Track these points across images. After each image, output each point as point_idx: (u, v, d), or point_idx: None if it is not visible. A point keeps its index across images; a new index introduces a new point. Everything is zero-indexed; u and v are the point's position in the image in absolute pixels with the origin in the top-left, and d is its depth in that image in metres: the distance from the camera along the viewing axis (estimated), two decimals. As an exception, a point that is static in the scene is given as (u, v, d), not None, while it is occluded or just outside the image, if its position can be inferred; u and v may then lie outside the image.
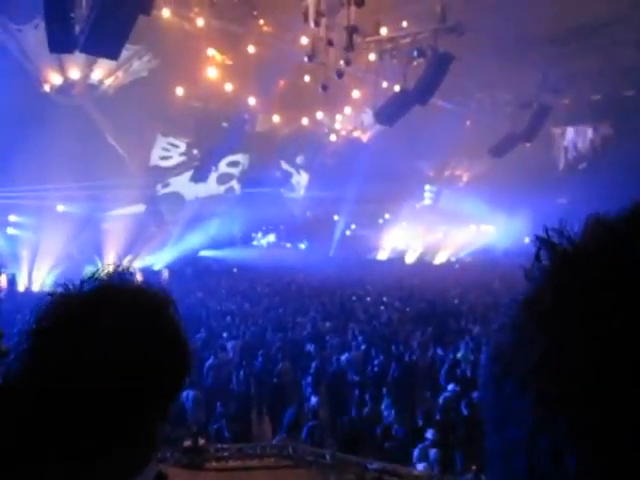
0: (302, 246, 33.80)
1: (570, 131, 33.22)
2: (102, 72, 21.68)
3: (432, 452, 6.87)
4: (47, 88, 21.03)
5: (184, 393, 8.94)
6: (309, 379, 10.20)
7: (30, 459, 0.74)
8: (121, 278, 0.87)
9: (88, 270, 0.89)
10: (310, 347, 11.96)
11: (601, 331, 0.33)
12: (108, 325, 0.79)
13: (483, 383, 0.44)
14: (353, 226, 34.66)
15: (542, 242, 0.43)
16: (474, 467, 6.71)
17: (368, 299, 18.43)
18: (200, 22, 18.40)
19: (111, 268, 0.88)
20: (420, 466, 6.50)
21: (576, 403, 0.33)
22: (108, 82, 22.32)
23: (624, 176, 27.86)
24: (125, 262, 24.59)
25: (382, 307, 16.55)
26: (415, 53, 19.19)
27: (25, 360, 0.78)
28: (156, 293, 0.87)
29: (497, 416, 0.41)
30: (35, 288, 22.05)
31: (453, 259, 35.95)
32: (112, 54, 13.61)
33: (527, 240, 34.07)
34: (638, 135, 28.26)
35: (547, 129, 28.84)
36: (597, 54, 24.10)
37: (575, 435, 0.33)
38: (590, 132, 32.29)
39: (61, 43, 12.88)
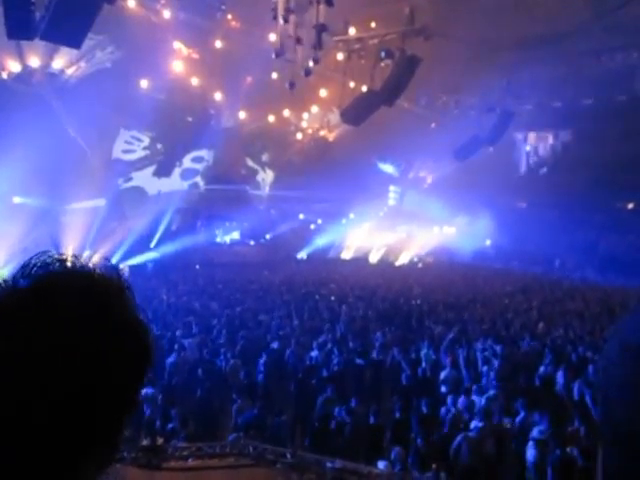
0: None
1: (532, 136, 33.98)
2: (63, 61, 21.13)
3: (394, 451, 6.89)
4: (4, 75, 20.39)
5: (143, 391, 8.76)
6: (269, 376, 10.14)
7: None
8: (63, 265, 0.78)
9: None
10: (275, 344, 11.92)
11: None
12: (53, 314, 0.72)
13: (616, 404, 0.45)
14: (319, 221, 34.68)
15: None
16: (434, 465, 6.77)
17: (332, 298, 18.44)
18: (167, 14, 18.14)
19: (50, 257, 0.78)
20: (381, 464, 6.51)
21: None
22: (69, 72, 21.76)
23: (582, 181, 28.68)
24: (84, 257, 24.04)
25: (344, 306, 16.56)
26: (383, 54, 19.31)
27: None
28: (108, 277, 0.80)
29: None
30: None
31: (416, 259, 36.35)
32: (74, 43, 13.25)
33: (488, 242, 34.79)
34: (597, 142, 29.12)
35: (510, 134, 29.44)
36: (559, 63, 24.76)
37: None
38: (551, 138, 33.09)
39: (20, 29, 12.47)
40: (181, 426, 8.00)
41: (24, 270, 0.77)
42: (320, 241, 33.56)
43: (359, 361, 10.75)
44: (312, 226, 34.56)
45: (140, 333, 0.79)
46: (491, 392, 8.72)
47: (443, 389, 9.63)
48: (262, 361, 10.51)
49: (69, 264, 0.79)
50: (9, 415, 0.69)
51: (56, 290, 0.75)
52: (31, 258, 0.78)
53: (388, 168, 36.15)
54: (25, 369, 0.70)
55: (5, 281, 0.76)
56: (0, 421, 0.69)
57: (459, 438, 7.17)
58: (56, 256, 0.79)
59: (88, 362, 0.72)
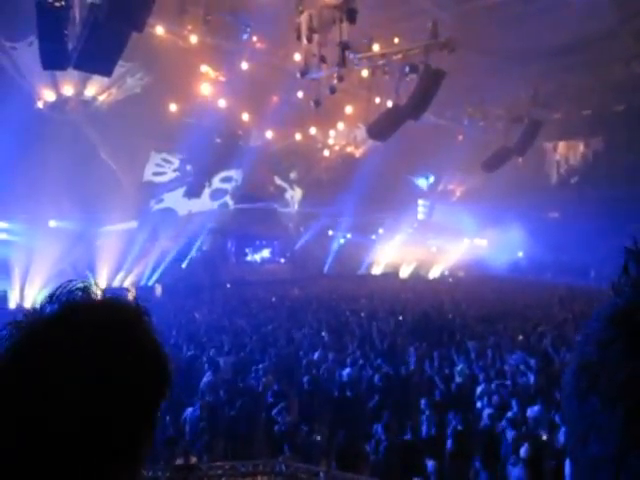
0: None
1: (562, 145, 33.48)
2: (95, 89, 21.74)
3: (429, 464, 6.80)
4: (41, 105, 21.06)
5: (186, 411, 8.87)
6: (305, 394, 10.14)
7: None
8: (86, 294, 0.83)
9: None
10: (307, 360, 11.92)
11: None
12: (72, 345, 0.76)
13: (567, 396, 0.44)
14: (349, 235, 34.69)
15: (632, 254, 0.41)
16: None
17: (362, 314, 18.37)
18: (193, 39, 18.49)
19: (74, 285, 0.83)
20: (416, 481, 6.44)
21: None
22: (101, 98, 22.37)
23: (615, 190, 28.10)
24: (118, 278, 24.52)
25: (375, 322, 16.48)
26: (407, 69, 19.32)
27: None
28: (125, 306, 0.83)
29: (581, 430, 0.41)
30: (27, 305, 21.87)
31: (447, 273, 35.98)
32: (105, 71, 13.64)
33: (520, 254, 34.25)
34: (628, 149, 28.55)
35: (539, 144, 29.07)
36: (587, 70, 24.41)
37: None
38: (581, 146, 32.56)
39: (54, 60, 12.93)
40: (213, 445, 8.04)
41: (51, 298, 0.81)
42: (350, 256, 33.51)
43: (390, 377, 10.67)
44: (342, 240, 34.56)
45: (157, 357, 0.82)
46: (536, 407, 8.56)
47: (479, 404, 9.48)
48: (305, 380, 10.48)
49: (91, 292, 0.83)
50: (29, 437, 0.71)
51: (76, 318, 0.79)
52: (58, 287, 0.82)
53: (422, 182, 36.07)
54: (45, 391, 0.73)
55: (34, 309, 0.80)
56: (24, 441, 0.71)
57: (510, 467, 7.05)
58: (79, 285, 0.83)
59: (104, 385, 0.76)
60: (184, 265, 27.30)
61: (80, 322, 0.78)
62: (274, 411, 8.88)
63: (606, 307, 0.43)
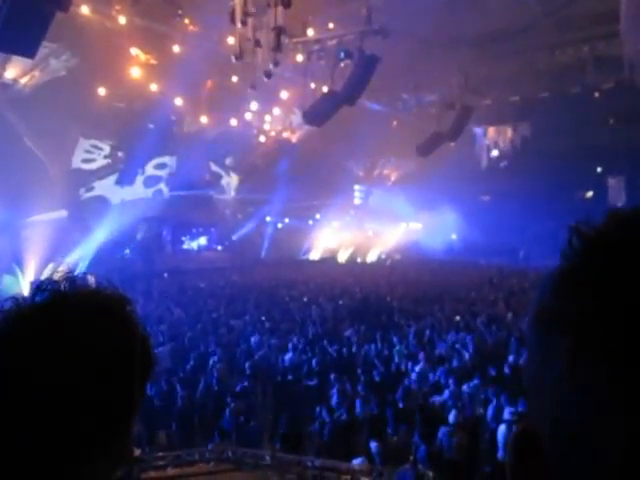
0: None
1: (491, 130, 34.60)
2: (16, 71, 20.62)
3: (372, 445, 6.96)
4: (-44, 87, 19.83)
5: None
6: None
7: None
8: (72, 283, 0.85)
9: (7, 280, 0.86)
10: (245, 346, 11.90)
11: (630, 297, 0.43)
12: (62, 332, 0.78)
13: (528, 345, 0.53)
14: (287, 220, 34.69)
15: (573, 230, 0.51)
16: (411, 457, 6.87)
17: (305, 299, 18.46)
18: (122, 20, 17.86)
19: (60, 275, 0.86)
20: (357, 460, 6.57)
21: (611, 341, 0.43)
22: (23, 81, 21.24)
23: (542, 173, 29.37)
24: (47, 270, 23.52)
25: (314, 306, 16.62)
26: (342, 54, 19.43)
27: None
28: (110, 294, 0.86)
29: (538, 358, 0.50)
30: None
31: (384, 257, 36.64)
32: (28, 52, 12.94)
33: (454, 236, 35.31)
34: (554, 134, 29.86)
35: (470, 129, 29.92)
36: (515, 58, 25.28)
37: (611, 371, 0.42)
38: (510, 131, 33.74)
39: (-29, 39, 12.16)
40: (154, 436, 7.93)
41: (38, 288, 0.83)
42: (288, 242, 33.55)
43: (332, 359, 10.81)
44: (279, 225, 34.52)
45: (142, 341, 0.85)
46: (474, 381, 8.90)
47: (416, 383, 9.76)
48: (248, 365, 10.48)
49: (77, 282, 0.86)
50: (19, 417, 0.74)
51: (64, 304, 0.81)
52: (45, 278, 0.85)
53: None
54: (32, 378, 0.75)
55: (22, 297, 0.82)
56: (14, 423, 0.73)
57: (440, 433, 7.33)
58: (66, 275, 0.86)
59: (91, 369, 0.77)
60: (119, 255, 26.51)
61: (67, 307, 0.81)
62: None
63: (554, 271, 0.52)
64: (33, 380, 0.74)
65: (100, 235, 25.40)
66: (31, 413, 0.73)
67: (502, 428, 7.09)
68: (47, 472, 0.74)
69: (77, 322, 0.79)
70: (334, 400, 8.79)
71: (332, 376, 9.58)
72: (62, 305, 0.81)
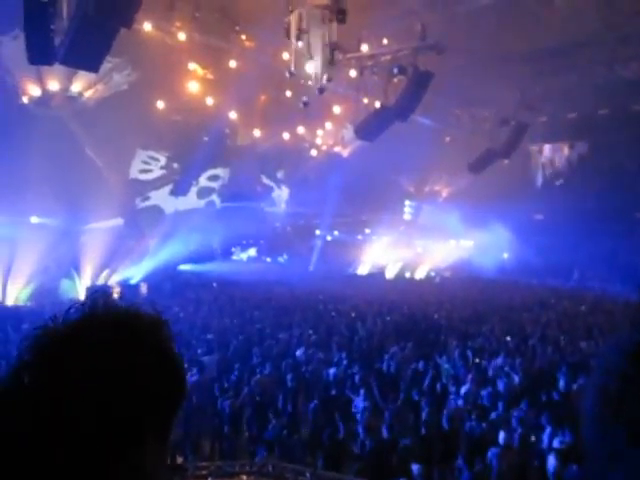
0: (281, 259, 33.67)
1: (547, 148, 33.77)
2: (81, 84, 21.51)
3: (415, 467, 6.82)
4: (25, 100, 20.80)
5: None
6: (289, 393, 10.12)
7: None
8: (106, 302, 0.86)
9: (65, 284, 0.88)
10: (290, 360, 11.91)
11: None
12: (95, 354, 0.79)
13: (588, 421, 0.48)
14: (336, 232, 34.71)
15: None
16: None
17: (353, 314, 18.39)
18: (182, 36, 18.39)
19: (96, 293, 0.87)
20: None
21: None
22: (87, 95, 22.14)
23: (599, 192, 28.43)
24: (103, 276, 24.31)
25: (360, 323, 16.52)
26: (395, 70, 19.39)
27: (9, 396, 0.78)
28: (144, 315, 0.86)
29: (602, 455, 0.44)
30: (9, 302, 21.60)
31: (433, 274, 36.14)
32: (92, 67, 13.51)
33: (506, 255, 34.50)
34: (612, 152, 28.89)
35: (524, 146, 29.29)
36: (573, 73, 24.64)
37: None
38: (566, 149, 32.85)
39: (40, 54, 12.78)
40: (199, 445, 8.01)
41: (76, 305, 0.86)
42: (336, 257, 33.53)
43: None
44: (329, 238, 34.54)
45: (174, 367, 0.86)
46: (523, 406, 8.65)
47: (461, 404, 9.53)
48: (290, 377, 10.49)
49: (109, 300, 0.87)
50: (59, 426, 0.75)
51: (98, 323, 0.83)
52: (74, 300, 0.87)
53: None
54: (62, 391, 0.76)
55: (62, 315, 0.84)
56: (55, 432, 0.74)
57: (490, 453, 7.14)
58: (102, 292, 0.88)
59: (117, 386, 0.78)
60: (171, 264, 27.12)
61: (100, 326, 0.82)
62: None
63: (625, 340, 0.46)
64: (55, 399, 0.75)
65: (154, 243, 26.09)
66: (51, 434, 0.74)
67: (551, 458, 6.82)
68: None
69: (103, 340, 0.80)
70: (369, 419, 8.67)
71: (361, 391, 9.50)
72: (92, 323, 0.82)
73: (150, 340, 0.84)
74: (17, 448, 0.74)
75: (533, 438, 7.84)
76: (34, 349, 0.80)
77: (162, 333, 0.86)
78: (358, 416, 8.95)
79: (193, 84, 21.14)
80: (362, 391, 9.75)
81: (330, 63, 16.30)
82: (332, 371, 11.19)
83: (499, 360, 11.74)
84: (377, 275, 35.01)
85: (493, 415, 8.63)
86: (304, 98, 18.65)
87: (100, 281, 23.65)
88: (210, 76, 21.96)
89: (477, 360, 11.99)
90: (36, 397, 0.76)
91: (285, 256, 33.62)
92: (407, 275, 36.01)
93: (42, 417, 0.75)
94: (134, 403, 0.78)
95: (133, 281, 25.13)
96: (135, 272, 25.48)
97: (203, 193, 29.23)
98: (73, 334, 0.81)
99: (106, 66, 17.20)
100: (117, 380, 0.78)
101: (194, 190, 28.62)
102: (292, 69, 17.62)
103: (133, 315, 0.86)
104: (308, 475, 5.23)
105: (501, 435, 7.52)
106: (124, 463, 0.78)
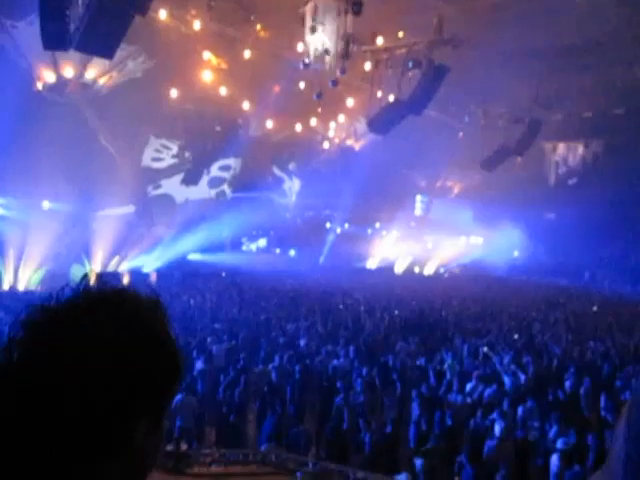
0: (292, 252, 33.70)
1: (561, 146, 33.48)
2: (96, 71, 21.56)
3: (418, 462, 6.83)
4: (40, 86, 20.88)
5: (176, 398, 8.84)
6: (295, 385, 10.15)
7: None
8: (104, 282, 0.86)
9: (76, 270, 0.87)
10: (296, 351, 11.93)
11: None
12: (88, 331, 0.78)
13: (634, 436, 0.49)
14: (346, 225, 34.66)
15: None
16: (456, 478, 6.70)
17: (362, 308, 18.37)
18: (197, 25, 18.37)
19: (94, 273, 0.87)
20: (402, 476, 6.46)
21: None
22: (102, 81, 22.19)
23: (613, 192, 28.17)
24: (113, 263, 24.47)
25: (367, 317, 16.51)
26: (410, 64, 19.27)
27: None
28: (142, 297, 0.86)
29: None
30: (20, 287, 21.80)
31: (442, 270, 36.03)
32: (107, 53, 13.56)
33: (516, 253, 34.32)
34: (627, 152, 28.58)
35: (538, 144, 29.05)
36: (589, 72, 24.37)
37: None
38: (581, 148, 32.56)
39: (55, 40, 12.83)
40: (203, 432, 8.05)
41: (66, 287, 0.85)
42: (346, 250, 33.50)
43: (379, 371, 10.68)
44: (338, 230, 34.48)
45: (169, 347, 0.84)
46: (528, 404, 8.62)
47: (468, 400, 9.51)
48: (297, 369, 10.49)
49: (102, 284, 0.86)
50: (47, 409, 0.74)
51: (93, 303, 0.82)
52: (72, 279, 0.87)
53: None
54: (57, 371, 0.76)
55: (56, 293, 0.83)
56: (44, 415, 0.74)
57: (486, 447, 7.14)
58: (95, 273, 0.86)
59: (121, 378, 0.78)
60: (180, 252, 27.24)
61: (93, 304, 0.82)
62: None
63: None
64: (48, 378, 0.75)
65: (164, 231, 26.20)
66: (39, 412, 0.74)
67: (554, 458, 6.80)
68: (58, 470, 0.74)
69: (99, 322, 0.79)
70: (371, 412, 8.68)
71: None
72: (88, 304, 0.82)
73: (144, 319, 0.83)
74: (5, 422, 0.74)
75: (535, 435, 7.82)
76: (24, 325, 0.79)
77: (158, 313, 0.85)
78: (362, 409, 8.96)
79: (207, 73, 21.13)
80: (367, 384, 9.76)
81: (345, 55, 16.24)
82: (337, 363, 11.20)
83: (506, 358, 11.70)
84: (386, 269, 34.95)
85: (496, 412, 8.60)
86: (318, 90, 18.60)
87: (110, 268, 23.80)
88: (224, 65, 21.93)
89: (484, 357, 11.96)
90: (24, 373, 0.75)
91: (294, 251, 33.61)
92: (416, 270, 35.92)
93: (29, 394, 0.74)
94: (125, 381, 0.77)
95: (143, 269, 25.27)
96: (145, 260, 25.62)
97: (214, 183, 29.28)
98: (64, 311, 0.80)
99: (120, 53, 17.22)
100: (107, 357, 0.77)
101: (205, 179, 28.68)
102: (306, 60, 17.59)
103: (128, 295, 0.85)
104: (310, 466, 5.26)
105: (497, 427, 7.52)
106: (116, 444, 0.77)
